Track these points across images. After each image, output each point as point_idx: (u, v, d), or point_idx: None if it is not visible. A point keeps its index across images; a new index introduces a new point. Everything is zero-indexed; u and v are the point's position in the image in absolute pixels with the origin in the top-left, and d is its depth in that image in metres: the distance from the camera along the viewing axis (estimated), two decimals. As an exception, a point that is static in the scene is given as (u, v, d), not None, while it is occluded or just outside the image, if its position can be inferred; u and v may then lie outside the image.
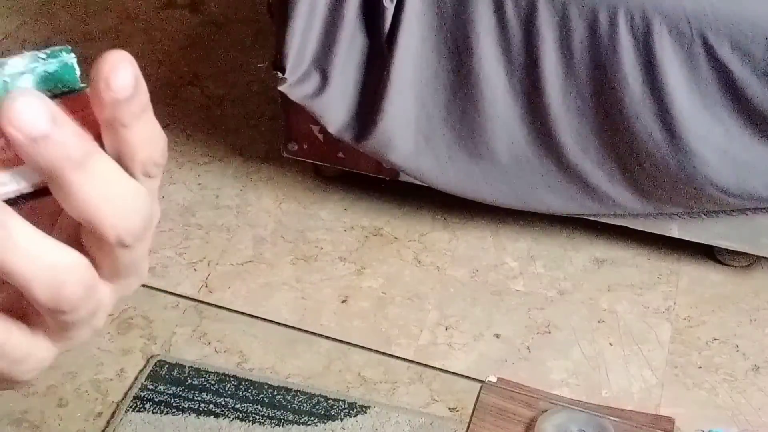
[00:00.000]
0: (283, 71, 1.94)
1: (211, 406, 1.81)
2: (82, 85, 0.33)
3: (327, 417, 1.81)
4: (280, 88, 1.96)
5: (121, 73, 0.34)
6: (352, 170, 2.20)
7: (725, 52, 1.78)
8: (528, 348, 1.95)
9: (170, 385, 1.84)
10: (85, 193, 0.32)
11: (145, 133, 0.33)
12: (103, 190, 0.32)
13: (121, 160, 0.34)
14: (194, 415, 1.80)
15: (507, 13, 1.85)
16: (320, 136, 2.12)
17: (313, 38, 1.94)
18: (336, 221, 2.21)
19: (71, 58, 0.33)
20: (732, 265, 2.12)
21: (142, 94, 0.34)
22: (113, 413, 1.80)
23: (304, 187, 2.30)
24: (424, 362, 1.92)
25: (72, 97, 0.35)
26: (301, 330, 1.97)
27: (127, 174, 0.33)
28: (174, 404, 1.81)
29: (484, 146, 1.99)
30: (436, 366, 1.91)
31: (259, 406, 1.81)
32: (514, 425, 1.35)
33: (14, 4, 2.84)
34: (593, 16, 1.82)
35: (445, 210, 2.23)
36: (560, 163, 1.97)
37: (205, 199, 2.26)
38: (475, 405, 1.39)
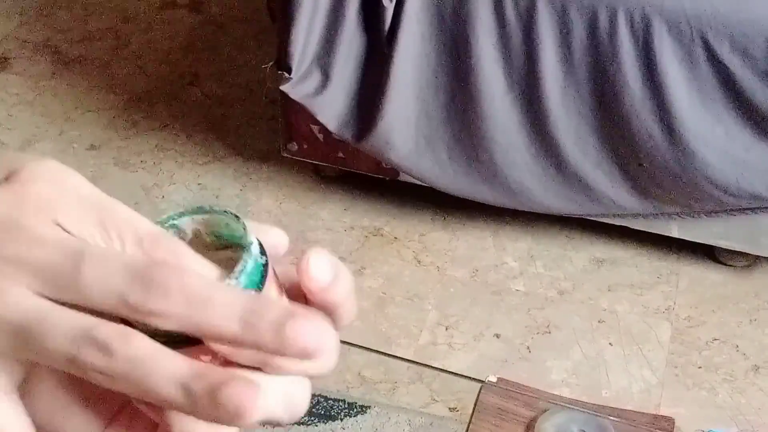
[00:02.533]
0: (289, 71, 1.94)
1: (211, 406, 1.81)
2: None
3: (327, 417, 1.81)
4: (282, 87, 1.97)
5: (320, 265, 0.37)
6: (352, 170, 2.20)
7: (725, 52, 1.78)
8: (528, 348, 1.95)
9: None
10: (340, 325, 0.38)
11: (350, 307, 0.38)
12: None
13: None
14: (194, 415, 1.80)
15: (507, 13, 1.85)
16: (320, 136, 2.12)
17: (314, 37, 1.95)
18: (336, 221, 2.21)
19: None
20: (732, 265, 2.12)
21: (344, 280, 0.37)
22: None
23: (304, 187, 2.30)
24: (424, 362, 1.92)
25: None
26: (301, 330, 1.97)
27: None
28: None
29: (484, 146, 1.99)
30: (436, 366, 1.91)
31: (259, 406, 1.81)
32: (514, 425, 1.35)
33: (14, 4, 2.84)
34: (593, 16, 1.82)
35: (445, 210, 2.23)
36: (560, 163, 1.97)
37: (205, 199, 2.26)
38: (475, 405, 1.39)
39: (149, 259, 0.33)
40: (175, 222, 0.37)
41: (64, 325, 0.32)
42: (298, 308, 0.35)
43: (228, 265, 0.36)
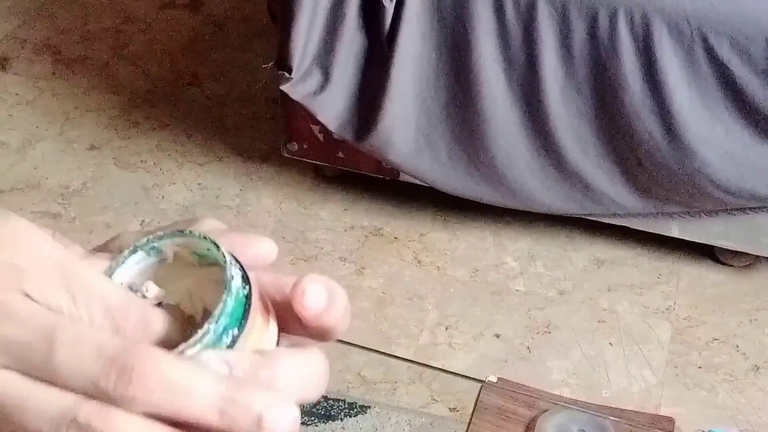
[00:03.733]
0: (290, 71, 1.94)
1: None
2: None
3: (327, 417, 1.81)
4: (282, 87, 1.97)
5: (314, 294, 0.37)
6: (352, 170, 2.20)
7: (725, 52, 1.78)
8: (528, 348, 1.95)
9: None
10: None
11: (345, 325, 0.38)
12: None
13: None
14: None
15: (507, 13, 1.85)
16: (320, 136, 2.12)
17: (314, 37, 1.95)
18: (336, 221, 2.21)
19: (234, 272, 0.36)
20: (732, 265, 2.12)
21: (338, 303, 0.37)
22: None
23: (304, 187, 2.30)
24: (424, 362, 1.92)
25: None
26: (301, 330, 1.97)
27: None
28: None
29: (484, 146, 1.99)
30: (436, 366, 1.91)
31: (259, 406, 1.81)
32: (514, 425, 1.35)
33: (14, 4, 2.84)
34: (593, 16, 1.82)
35: (445, 210, 2.23)
36: (560, 163, 1.97)
37: (205, 199, 2.26)
38: (475, 405, 1.39)
39: (123, 344, 0.32)
40: (155, 245, 0.37)
41: (43, 408, 0.32)
42: (280, 362, 0.35)
43: (215, 284, 0.35)
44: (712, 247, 2.10)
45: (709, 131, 1.85)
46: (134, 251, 0.37)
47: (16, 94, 2.53)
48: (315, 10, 1.92)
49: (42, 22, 2.78)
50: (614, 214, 2.06)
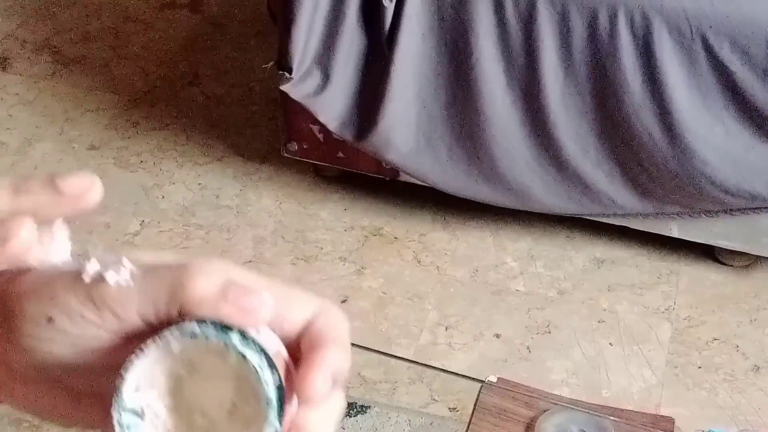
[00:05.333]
0: (290, 71, 1.94)
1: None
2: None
3: (327, 417, 1.80)
4: (282, 87, 1.97)
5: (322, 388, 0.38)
6: (352, 170, 2.20)
7: (725, 52, 1.78)
8: (528, 348, 1.95)
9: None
10: None
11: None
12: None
13: None
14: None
15: (507, 13, 1.85)
16: (320, 136, 2.12)
17: (314, 37, 1.95)
18: (336, 221, 2.21)
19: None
20: (732, 265, 2.12)
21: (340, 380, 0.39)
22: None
23: (304, 187, 2.30)
24: (424, 362, 1.92)
25: None
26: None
27: None
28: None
29: (484, 146, 1.99)
30: (436, 366, 1.91)
31: (259, 406, 1.81)
32: (514, 425, 1.35)
33: (14, 4, 2.84)
34: (593, 16, 1.82)
35: (445, 210, 2.22)
36: (560, 162, 1.97)
37: (205, 199, 2.26)
38: (475, 405, 1.39)
39: None
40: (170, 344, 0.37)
41: None
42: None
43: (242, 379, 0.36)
44: (712, 247, 2.10)
45: (709, 131, 1.85)
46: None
47: (16, 94, 2.53)
48: (315, 10, 1.92)
49: (42, 22, 2.78)
50: (614, 214, 2.05)
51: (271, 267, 2.09)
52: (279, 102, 2.10)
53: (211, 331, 0.36)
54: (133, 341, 0.36)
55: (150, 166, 2.34)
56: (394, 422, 1.80)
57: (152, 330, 0.36)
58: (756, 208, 1.95)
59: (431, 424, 1.81)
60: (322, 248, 2.15)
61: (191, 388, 0.37)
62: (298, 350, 0.38)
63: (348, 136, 2.02)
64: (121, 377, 0.36)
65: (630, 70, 1.83)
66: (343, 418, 1.80)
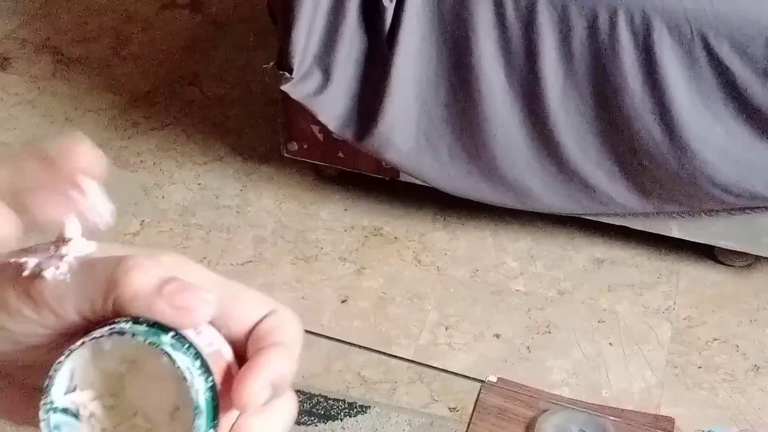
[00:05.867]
0: (290, 71, 1.94)
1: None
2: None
3: (327, 417, 1.81)
4: (283, 87, 1.97)
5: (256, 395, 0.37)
6: (352, 170, 2.20)
7: (725, 52, 1.78)
8: (528, 348, 1.95)
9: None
10: None
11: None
12: None
13: None
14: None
15: (507, 12, 1.85)
16: (320, 136, 2.12)
17: (315, 37, 1.95)
18: (336, 221, 2.21)
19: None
20: (732, 265, 2.12)
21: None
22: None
23: (304, 187, 2.30)
24: (424, 362, 1.92)
25: None
26: (301, 330, 1.97)
27: None
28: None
29: (484, 146, 1.99)
30: (436, 366, 1.91)
31: (259, 406, 1.81)
32: (514, 425, 1.35)
33: (14, 4, 2.84)
34: (593, 16, 1.82)
35: (445, 210, 2.23)
36: (560, 162, 1.97)
37: (205, 199, 2.26)
38: (475, 405, 1.39)
39: None
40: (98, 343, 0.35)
41: None
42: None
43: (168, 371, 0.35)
44: (712, 247, 2.10)
45: (709, 131, 1.85)
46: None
47: (17, 94, 2.53)
48: (315, 10, 1.92)
49: (42, 22, 2.78)
50: (614, 214, 2.05)
51: (271, 267, 2.09)
52: (279, 102, 2.10)
53: (141, 330, 0.34)
54: (73, 339, 0.35)
55: (150, 166, 2.34)
56: (394, 422, 1.80)
57: (89, 328, 0.35)
58: (756, 208, 1.95)
59: (431, 424, 1.81)
60: (322, 248, 2.15)
61: (134, 388, 0.36)
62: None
63: (348, 136, 2.02)
64: (50, 377, 0.34)
65: (630, 70, 1.83)
66: (343, 418, 1.80)
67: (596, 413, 1.39)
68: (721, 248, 2.09)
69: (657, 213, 2.02)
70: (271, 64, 2.00)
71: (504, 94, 1.93)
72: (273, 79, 2.01)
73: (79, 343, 0.34)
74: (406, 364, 1.92)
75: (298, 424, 1.79)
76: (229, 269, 2.09)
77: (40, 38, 2.72)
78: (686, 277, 2.11)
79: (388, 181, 2.18)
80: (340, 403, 1.83)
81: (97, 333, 0.34)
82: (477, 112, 1.95)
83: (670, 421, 1.57)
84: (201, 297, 0.35)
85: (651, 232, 2.09)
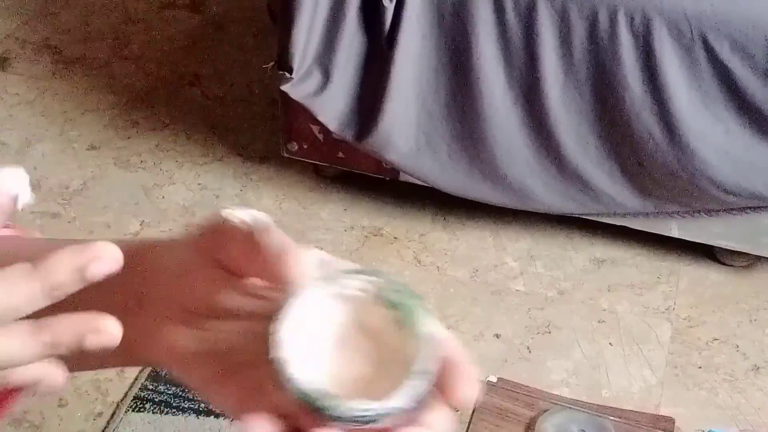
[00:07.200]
0: (290, 71, 1.94)
1: (212, 406, 1.81)
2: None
3: (327, 417, 1.80)
4: (282, 87, 1.97)
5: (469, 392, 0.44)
6: (352, 170, 2.20)
7: (725, 52, 1.78)
8: (528, 348, 1.95)
9: (170, 385, 1.84)
10: None
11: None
12: None
13: None
14: (194, 415, 1.80)
15: (507, 12, 1.85)
16: (320, 136, 2.12)
17: (314, 37, 1.95)
18: (336, 221, 2.21)
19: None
20: (732, 265, 2.12)
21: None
22: (113, 413, 1.80)
23: (304, 187, 2.30)
24: (424, 362, 1.91)
25: None
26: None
27: None
28: (174, 404, 1.81)
29: (484, 146, 1.99)
30: (436, 366, 1.91)
31: (259, 406, 1.81)
32: (514, 425, 1.35)
33: (14, 4, 2.84)
34: (593, 16, 1.82)
35: (445, 210, 2.23)
36: (560, 162, 1.98)
37: (205, 199, 2.26)
38: (475, 405, 1.39)
39: None
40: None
41: None
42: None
43: (391, 325, 0.39)
44: (712, 247, 2.10)
45: (709, 131, 1.86)
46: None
47: (16, 94, 2.53)
48: (315, 10, 1.92)
49: (42, 22, 2.78)
50: (614, 214, 2.06)
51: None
52: (279, 102, 2.10)
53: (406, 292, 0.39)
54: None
55: (150, 166, 2.34)
56: (394, 422, 1.80)
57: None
58: (756, 208, 1.95)
59: (431, 424, 1.81)
60: (322, 248, 2.14)
61: (354, 341, 0.40)
62: None
63: (348, 136, 2.02)
64: (277, 319, 0.40)
65: (630, 70, 1.83)
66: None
67: (596, 413, 1.39)
68: (721, 248, 2.09)
69: (657, 213, 2.02)
70: (271, 64, 2.00)
71: (504, 94, 1.93)
72: (273, 79, 2.01)
73: (311, 285, 0.42)
74: (406, 364, 1.91)
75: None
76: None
77: (40, 38, 2.72)
78: (686, 277, 2.11)
79: (388, 181, 2.18)
80: (340, 403, 1.82)
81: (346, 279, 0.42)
82: (477, 111, 1.95)
83: (670, 421, 1.57)
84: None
85: (651, 232, 2.09)
